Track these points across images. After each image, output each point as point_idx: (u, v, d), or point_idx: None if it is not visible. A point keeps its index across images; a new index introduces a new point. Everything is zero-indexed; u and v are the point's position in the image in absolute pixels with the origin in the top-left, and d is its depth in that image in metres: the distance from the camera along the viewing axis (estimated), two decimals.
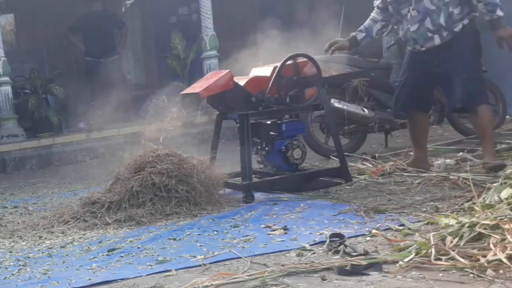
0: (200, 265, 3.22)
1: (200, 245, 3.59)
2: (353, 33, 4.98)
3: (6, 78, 8.56)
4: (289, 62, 4.80)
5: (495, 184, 3.59)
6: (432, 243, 2.94)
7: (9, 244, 4.16)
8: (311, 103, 4.90)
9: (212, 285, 2.88)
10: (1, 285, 3.29)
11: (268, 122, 4.92)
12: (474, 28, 4.58)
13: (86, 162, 8.15)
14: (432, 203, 3.89)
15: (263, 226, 3.86)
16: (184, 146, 7.56)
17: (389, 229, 3.49)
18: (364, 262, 2.91)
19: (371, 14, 4.98)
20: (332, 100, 5.67)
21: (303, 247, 3.34)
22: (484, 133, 4.55)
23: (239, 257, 3.27)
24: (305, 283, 2.82)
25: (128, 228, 4.20)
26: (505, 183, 3.51)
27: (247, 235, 3.69)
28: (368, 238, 3.39)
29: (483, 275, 2.65)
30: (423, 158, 4.87)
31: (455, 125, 6.25)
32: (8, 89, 8.57)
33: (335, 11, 7.40)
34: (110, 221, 4.31)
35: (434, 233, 3.09)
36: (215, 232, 3.84)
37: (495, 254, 2.71)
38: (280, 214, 4.09)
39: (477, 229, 2.95)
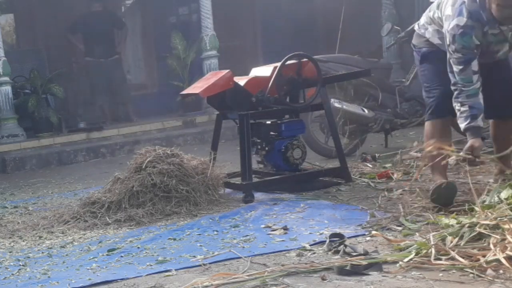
0: (200, 265, 3.22)
1: (200, 245, 3.59)
2: (471, 125, 3.74)
3: (6, 78, 8.57)
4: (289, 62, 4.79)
5: (495, 185, 3.59)
6: (432, 243, 2.95)
7: (9, 244, 4.16)
8: (311, 103, 4.90)
9: (212, 285, 2.88)
10: (1, 285, 3.29)
11: (268, 122, 4.92)
12: None
13: (86, 162, 8.15)
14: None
15: (263, 226, 3.86)
16: (184, 146, 7.59)
17: (389, 229, 3.50)
18: (364, 262, 2.91)
19: (466, 89, 3.73)
20: (332, 100, 5.67)
21: (303, 247, 3.34)
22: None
23: (239, 257, 3.27)
24: (305, 283, 2.82)
25: (128, 228, 4.20)
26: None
27: (247, 235, 3.70)
28: (368, 238, 3.39)
29: (483, 275, 2.66)
30: None
31: (455, 125, 6.25)
32: (8, 89, 8.57)
33: (336, 11, 7.42)
34: (110, 221, 4.31)
35: (434, 233, 3.09)
36: (215, 232, 3.84)
37: (495, 254, 2.72)
38: (280, 214, 4.09)
39: (477, 229, 2.96)
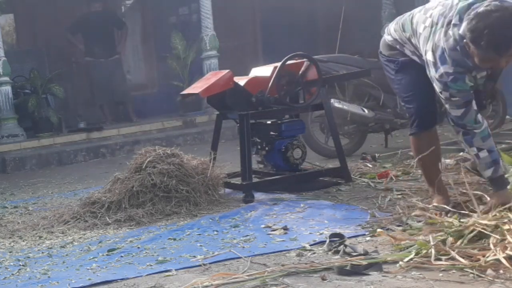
0: (200, 265, 3.22)
1: (200, 245, 3.59)
2: (499, 174, 3.45)
3: (6, 78, 8.57)
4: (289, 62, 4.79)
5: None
6: (432, 243, 2.95)
7: (9, 244, 4.15)
8: (311, 103, 4.90)
9: (212, 285, 2.88)
10: (1, 285, 3.29)
11: (268, 122, 4.92)
12: None
13: (86, 162, 8.15)
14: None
15: (263, 226, 3.86)
16: (184, 146, 7.59)
17: (389, 229, 3.49)
18: (364, 262, 2.91)
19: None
20: (332, 100, 5.67)
21: (303, 247, 3.34)
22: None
23: (239, 257, 3.27)
24: (305, 283, 2.82)
25: (128, 228, 4.20)
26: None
27: (247, 235, 3.70)
28: (368, 238, 3.40)
29: (483, 275, 2.66)
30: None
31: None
32: (8, 89, 8.57)
33: (336, 11, 7.42)
34: (110, 221, 4.31)
35: (436, 234, 3.09)
36: (215, 232, 3.84)
37: (495, 254, 2.72)
38: (280, 214, 4.09)
39: (477, 227, 2.95)
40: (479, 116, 3.43)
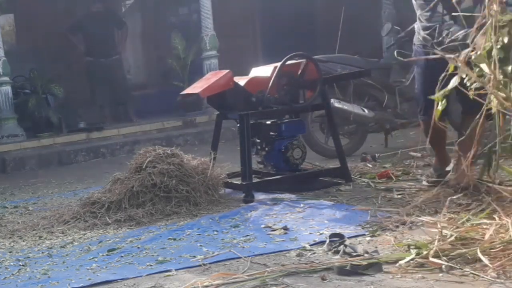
0: (200, 265, 3.23)
1: (200, 245, 3.59)
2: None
3: (6, 78, 8.55)
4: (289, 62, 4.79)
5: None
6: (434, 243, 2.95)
7: (9, 244, 4.15)
8: (311, 103, 4.90)
9: (212, 285, 2.88)
10: (1, 285, 3.29)
11: (268, 122, 4.92)
12: None
13: (86, 162, 8.14)
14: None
15: (263, 226, 3.86)
16: (184, 146, 7.59)
17: (389, 229, 3.49)
18: (364, 262, 2.91)
19: None
20: (332, 100, 5.67)
21: (303, 247, 3.34)
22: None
23: (239, 257, 3.27)
24: (305, 283, 2.82)
25: (128, 228, 4.20)
26: None
27: (247, 235, 3.70)
28: (368, 238, 3.40)
29: (483, 275, 2.66)
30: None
31: (455, 124, 6.24)
32: (8, 89, 8.56)
33: (336, 11, 7.42)
34: (110, 221, 4.31)
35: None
36: (215, 232, 3.85)
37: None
38: (280, 214, 4.09)
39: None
40: (447, 17, 3.91)
